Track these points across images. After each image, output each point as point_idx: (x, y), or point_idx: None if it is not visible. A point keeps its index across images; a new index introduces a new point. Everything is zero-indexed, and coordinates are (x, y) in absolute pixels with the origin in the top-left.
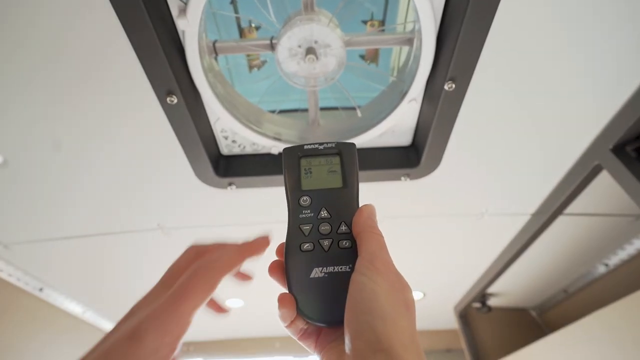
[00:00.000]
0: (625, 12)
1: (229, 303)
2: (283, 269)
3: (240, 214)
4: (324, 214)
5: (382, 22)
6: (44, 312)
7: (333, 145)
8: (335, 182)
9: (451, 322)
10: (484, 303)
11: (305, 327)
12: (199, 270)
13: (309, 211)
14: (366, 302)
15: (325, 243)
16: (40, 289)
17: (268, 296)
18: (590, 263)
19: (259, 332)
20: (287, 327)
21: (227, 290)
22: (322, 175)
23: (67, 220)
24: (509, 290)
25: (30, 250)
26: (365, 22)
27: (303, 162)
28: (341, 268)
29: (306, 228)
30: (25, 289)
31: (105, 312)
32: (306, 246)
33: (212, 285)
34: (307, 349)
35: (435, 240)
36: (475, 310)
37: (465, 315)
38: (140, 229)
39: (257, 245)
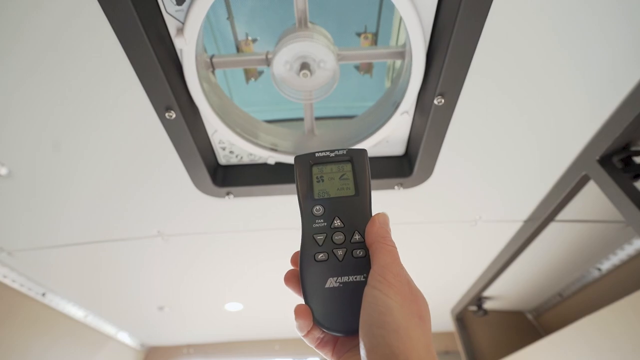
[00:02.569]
0: (613, 24)
1: (228, 307)
2: (298, 278)
3: (237, 221)
4: (337, 223)
5: (375, 35)
6: (47, 316)
7: (344, 152)
8: (348, 190)
9: (448, 325)
10: (480, 306)
11: (322, 336)
12: None
13: (322, 220)
14: (379, 315)
15: (339, 252)
16: (43, 294)
17: (267, 299)
18: (584, 267)
19: (259, 335)
20: (304, 336)
21: (226, 293)
22: (334, 183)
23: (70, 227)
24: (504, 293)
25: (33, 257)
26: (359, 35)
27: (315, 170)
28: (356, 278)
29: (320, 238)
30: (28, 294)
31: (107, 316)
32: (320, 256)
33: None
34: (324, 357)
35: (430, 246)
36: (471, 314)
37: (461, 318)
38: (141, 236)
39: None
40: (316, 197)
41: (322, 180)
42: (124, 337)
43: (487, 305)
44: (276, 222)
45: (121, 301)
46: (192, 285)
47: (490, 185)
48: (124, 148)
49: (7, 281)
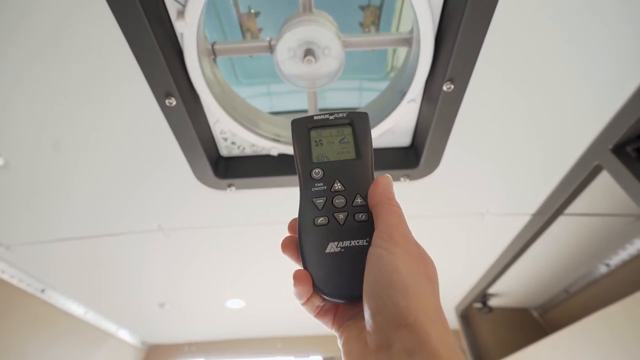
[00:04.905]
0: (625, 12)
1: (230, 304)
2: (296, 245)
3: (239, 215)
4: (337, 186)
5: (380, 8)
6: (46, 313)
7: (344, 115)
8: (348, 153)
9: (452, 322)
10: (485, 303)
11: (322, 304)
12: None
13: (321, 184)
14: (386, 275)
15: (340, 216)
16: (42, 290)
17: (269, 297)
18: (592, 263)
19: (261, 333)
20: (303, 304)
21: (228, 290)
22: (333, 146)
23: (69, 221)
24: (510, 290)
25: (32, 252)
26: (362, 8)
27: (313, 133)
28: (358, 242)
29: (319, 201)
30: (27, 290)
31: (107, 313)
32: (320, 220)
33: None
34: (324, 325)
35: (435, 241)
36: (476, 311)
37: (466, 315)
38: (141, 230)
39: None
40: (315, 160)
41: (321, 144)
42: (124, 334)
43: (492, 302)
44: (279, 216)
45: (122, 298)
46: (193, 281)
47: (498, 177)
48: (124, 139)
49: (5, 276)
